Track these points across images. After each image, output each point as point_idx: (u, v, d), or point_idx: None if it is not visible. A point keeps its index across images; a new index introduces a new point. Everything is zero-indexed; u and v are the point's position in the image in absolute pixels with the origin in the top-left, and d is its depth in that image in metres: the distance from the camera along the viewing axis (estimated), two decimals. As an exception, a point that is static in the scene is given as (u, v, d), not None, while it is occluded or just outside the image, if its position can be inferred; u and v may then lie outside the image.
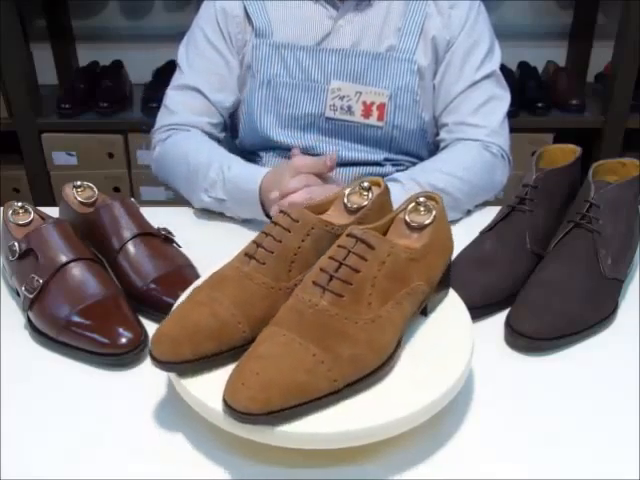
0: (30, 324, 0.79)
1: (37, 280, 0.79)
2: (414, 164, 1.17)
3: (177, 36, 1.26)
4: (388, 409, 0.60)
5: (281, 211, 0.70)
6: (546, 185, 0.88)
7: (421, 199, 0.72)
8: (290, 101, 1.16)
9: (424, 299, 0.69)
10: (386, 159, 1.19)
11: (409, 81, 1.14)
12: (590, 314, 0.79)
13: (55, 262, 0.80)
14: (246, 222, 1.05)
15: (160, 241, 0.88)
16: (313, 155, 1.14)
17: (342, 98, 1.15)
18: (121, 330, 0.75)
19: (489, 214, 0.92)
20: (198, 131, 1.16)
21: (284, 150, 1.19)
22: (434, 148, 1.22)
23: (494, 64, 1.17)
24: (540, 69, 2.29)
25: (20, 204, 0.90)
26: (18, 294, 0.82)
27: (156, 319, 0.79)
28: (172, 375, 0.64)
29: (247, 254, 0.69)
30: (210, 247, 0.86)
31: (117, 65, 2.26)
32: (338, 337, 0.61)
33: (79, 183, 0.94)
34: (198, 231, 1.04)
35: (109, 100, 2.12)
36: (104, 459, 0.64)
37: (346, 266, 0.62)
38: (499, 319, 0.81)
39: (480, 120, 1.15)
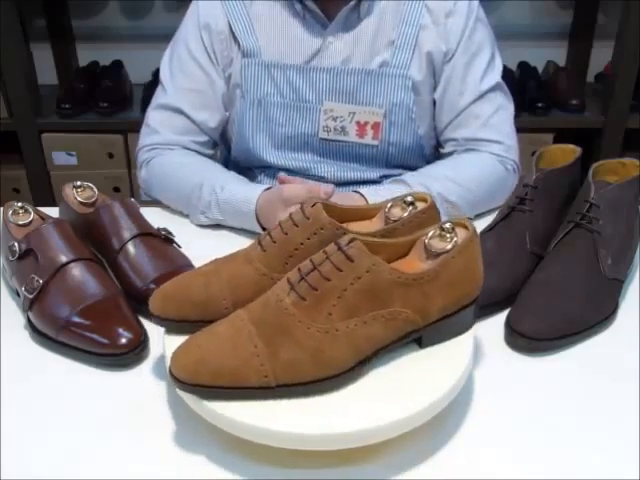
0: (30, 324, 0.79)
1: (37, 280, 0.79)
2: None
3: (177, 36, 1.26)
4: (388, 410, 0.60)
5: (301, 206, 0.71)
6: (546, 185, 0.88)
7: (447, 225, 0.67)
8: (282, 120, 1.12)
9: (413, 330, 0.65)
10: (383, 176, 1.15)
11: (404, 98, 1.10)
12: (590, 314, 0.79)
13: (55, 262, 0.80)
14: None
15: (160, 241, 0.88)
16: (308, 177, 1.13)
17: (335, 119, 1.11)
18: (121, 330, 0.75)
19: (489, 214, 0.92)
20: (181, 148, 1.13)
21: (279, 170, 1.15)
22: (432, 159, 1.18)
23: (497, 73, 1.13)
24: (540, 69, 2.29)
25: (20, 204, 0.90)
26: (18, 294, 0.82)
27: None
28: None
29: (259, 240, 0.72)
30: (210, 247, 0.86)
31: (117, 65, 2.26)
32: (285, 337, 0.61)
33: (79, 183, 0.94)
34: (198, 231, 1.03)
35: (109, 100, 2.12)
36: (104, 459, 0.64)
37: (318, 272, 0.62)
38: (499, 319, 0.81)
39: (491, 134, 1.10)
